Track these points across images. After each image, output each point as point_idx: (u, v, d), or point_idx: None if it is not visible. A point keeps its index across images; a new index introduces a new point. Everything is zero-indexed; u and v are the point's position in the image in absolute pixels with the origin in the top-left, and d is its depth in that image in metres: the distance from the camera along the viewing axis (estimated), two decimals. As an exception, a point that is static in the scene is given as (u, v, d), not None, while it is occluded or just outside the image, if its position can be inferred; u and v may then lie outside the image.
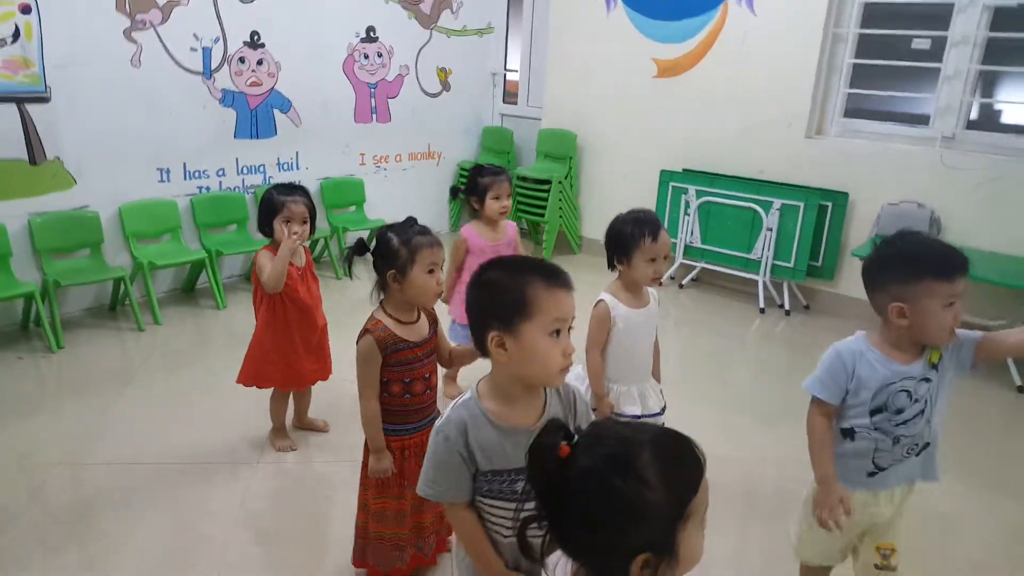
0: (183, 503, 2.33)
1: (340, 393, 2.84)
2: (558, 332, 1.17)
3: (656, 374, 2.23)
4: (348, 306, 4.38)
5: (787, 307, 4.35)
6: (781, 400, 3.26)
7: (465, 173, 5.67)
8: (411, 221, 1.85)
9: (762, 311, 4.34)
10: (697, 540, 0.86)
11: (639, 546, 0.82)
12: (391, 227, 1.83)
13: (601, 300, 2.09)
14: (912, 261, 1.46)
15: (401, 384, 1.80)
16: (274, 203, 2.41)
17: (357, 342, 1.79)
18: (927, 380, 1.52)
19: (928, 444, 1.59)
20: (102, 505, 2.31)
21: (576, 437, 0.88)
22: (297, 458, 2.62)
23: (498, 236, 2.87)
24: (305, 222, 2.43)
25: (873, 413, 1.54)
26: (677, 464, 0.86)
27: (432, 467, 1.24)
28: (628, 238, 2.02)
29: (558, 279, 1.19)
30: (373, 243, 1.86)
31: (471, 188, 2.82)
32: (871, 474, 1.58)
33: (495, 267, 1.25)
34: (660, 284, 2.11)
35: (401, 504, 1.86)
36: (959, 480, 2.63)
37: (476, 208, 2.84)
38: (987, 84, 4.10)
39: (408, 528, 1.88)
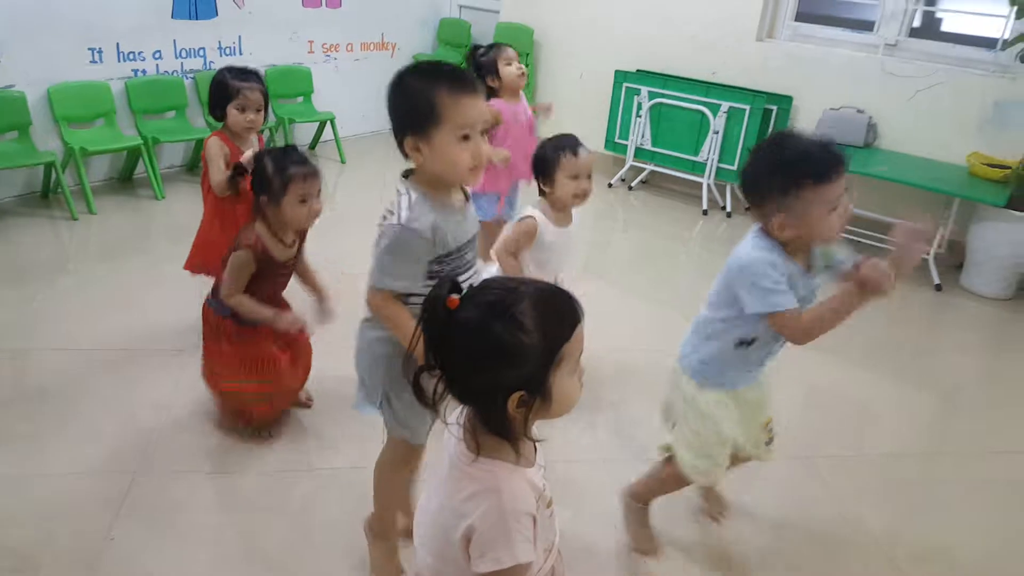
0: (119, 389, 2.33)
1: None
2: (467, 137, 1.27)
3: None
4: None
5: (729, 209, 4.50)
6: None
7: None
8: (291, 148, 1.94)
9: (705, 213, 4.47)
10: (570, 384, 0.93)
11: (515, 385, 0.89)
12: (270, 151, 1.93)
13: (530, 216, 2.14)
14: (786, 169, 1.38)
15: (254, 294, 1.95)
16: (228, 87, 2.31)
17: (232, 251, 1.91)
18: (811, 279, 1.51)
19: None
20: (35, 392, 2.31)
21: (464, 291, 0.94)
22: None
23: (516, 101, 2.87)
24: (259, 110, 2.35)
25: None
26: (553, 313, 0.91)
27: (394, 261, 1.32)
28: (551, 158, 2.09)
29: (463, 85, 1.27)
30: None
31: (479, 66, 2.78)
32: (752, 369, 1.60)
33: (411, 73, 1.32)
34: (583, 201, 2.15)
35: (260, 389, 2.05)
36: (875, 372, 2.86)
37: (494, 85, 2.79)
38: (933, -9, 4.14)
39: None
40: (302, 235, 2.05)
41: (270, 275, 1.97)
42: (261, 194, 1.89)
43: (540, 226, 2.14)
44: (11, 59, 3.54)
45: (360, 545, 1.71)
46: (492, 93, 2.81)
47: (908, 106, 3.97)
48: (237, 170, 2.00)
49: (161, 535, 1.78)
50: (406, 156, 1.32)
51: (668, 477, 1.75)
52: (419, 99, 1.26)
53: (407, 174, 1.37)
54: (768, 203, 1.41)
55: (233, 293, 1.92)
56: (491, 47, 2.77)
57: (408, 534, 1.58)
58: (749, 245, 1.48)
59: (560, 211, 2.17)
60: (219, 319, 2.01)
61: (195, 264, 2.53)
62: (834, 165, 1.36)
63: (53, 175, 3.69)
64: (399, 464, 1.60)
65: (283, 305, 2.09)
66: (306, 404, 2.32)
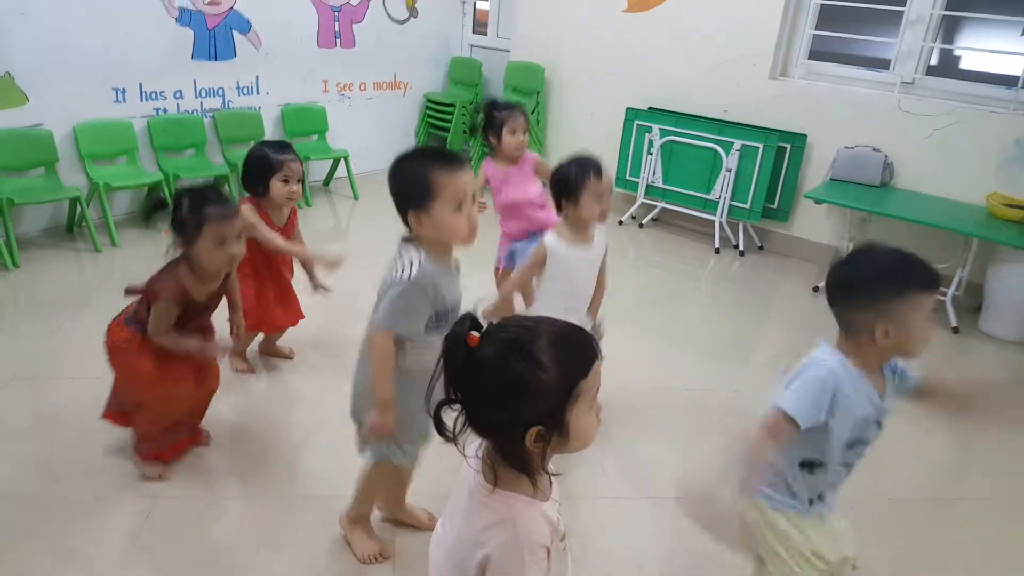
0: None
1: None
2: (461, 206, 1.46)
3: (593, 311, 2.32)
4: (307, 236, 4.37)
5: (742, 247, 4.47)
6: (729, 336, 3.40)
7: (433, 107, 5.61)
8: (210, 187, 1.88)
9: (717, 251, 4.44)
10: (587, 419, 0.96)
11: (533, 420, 0.92)
12: (189, 189, 1.86)
13: (541, 242, 2.18)
14: (898, 275, 1.33)
15: (185, 329, 1.93)
16: (271, 161, 2.34)
17: (153, 287, 1.87)
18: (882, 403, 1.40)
19: None
20: (54, 419, 2.36)
21: (484, 328, 0.97)
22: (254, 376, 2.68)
23: (508, 165, 2.84)
24: (300, 181, 2.41)
25: (850, 446, 1.39)
26: (570, 350, 0.95)
27: (401, 310, 1.49)
28: (574, 178, 2.11)
29: (453, 163, 1.47)
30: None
31: (488, 123, 2.81)
32: (811, 501, 1.44)
33: (407, 157, 1.52)
34: (603, 221, 2.19)
35: (176, 396, 2.02)
36: (892, 416, 2.78)
37: (494, 144, 2.80)
38: (949, 30, 4.13)
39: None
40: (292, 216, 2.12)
41: (194, 314, 1.94)
42: (178, 235, 1.82)
43: (551, 247, 2.15)
44: (39, 99, 3.67)
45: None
46: (490, 148, 2.84)
47: (925, 145, 3.93)
48: (156, 203, 1.99)
49: (181, 557, 1.81)
50: (410, 229, 1.51)
51: None
52: (417, 179, 1.45)
53: (408, 239, 1.53)
54: (873, 309, 1.32)
55: (161, 334, 1.87)
56: (509, 108, 2.77)
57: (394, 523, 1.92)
58: (821, 357, 1.36)
59: (580, 231, 2.18)
60: (140, 337, 1.92)
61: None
62: (936, 275, 1.36)
63: (78, 209, 3.80)
64: (390, 478, 1.80)
65: (208, 329, 2.07)
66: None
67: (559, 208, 2.18)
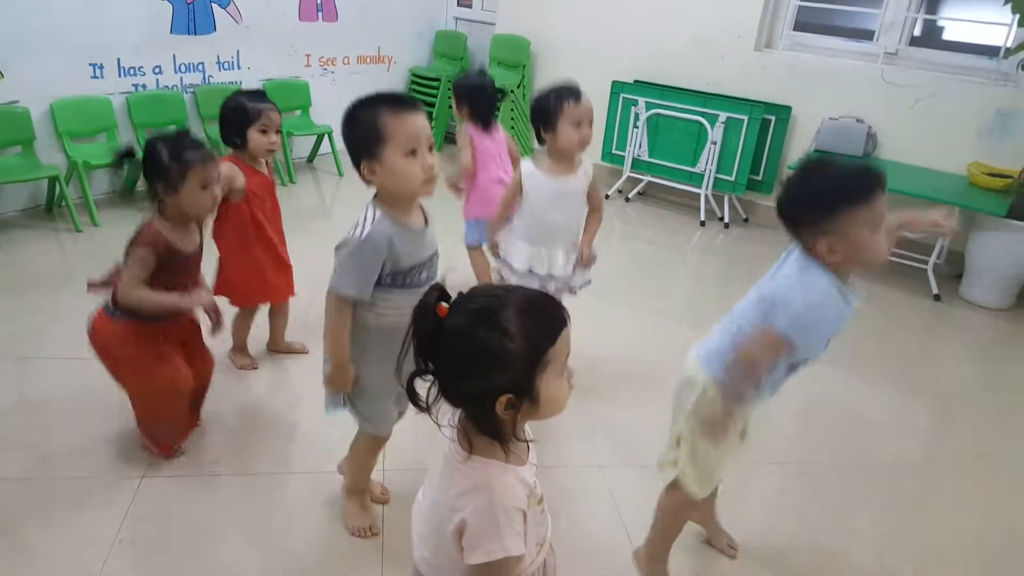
0: (123, 397, 2.35)
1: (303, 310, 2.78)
2: (415, 152, 1.38)
3: (587, 240, 2.32)
4: (291, 213, 4.34)
5: (727, 220, 4.49)
6: (715, 307, 3.39)
7: (418, 81, 5.55)
8: (182, 133, 1.85)
9: (702, 224, 4.46)
10: (558, 386, 0.97)
11: (503, 389, 0.93)
12: (162, 137, 1.81)
13: (518, 169, 2.22)
14: (824, 194, 1.35)
15: (164, 289, 1.84)
16: (248, 110, 2.24)
17: (130, 248, 1.81)
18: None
19: None
20: (39, 399, 2.35)
21: (453, 298, 0.97)
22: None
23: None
24: (279, 131, 2.32)
25: (826, 345, 1.45)
26: (537, 319, 0.95)
27: (352, 269, 1.45)
28: (552, 106, 2.11)
29: (403, 104, 1.39)
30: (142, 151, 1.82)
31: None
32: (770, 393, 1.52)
33: (356, 105, 1.43)
34: (584, 148, 2.20)
35: (175, 382, 1.96)
36: (872, 381, 2.85)
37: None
38: (932, 0, 4.12)
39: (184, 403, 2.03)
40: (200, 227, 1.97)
41: (176, 269, 1.86)
42: (157, 183, 1.78)
43: (528, 176, 2.15)
44: (15, 75, 3.59)
45: (362, 545, 1.79)
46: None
47: (908, 115, 3.95)
48: (124, 153, 1.89)
49: (169, 537, 1.81)
50: (367, 181, 1.43)
51: (676, 507, 1.62)
52: (365, 125, 1.38)
53: (375, 197, 1.47)
54: (809, 228, 1.36)
55: (134, 287, 1.80)
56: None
57: (381, 500, 1.91)
58: (808, 277, 1.39)
59: (560, 160, 2.16)
60: (121, 324, 1.88)
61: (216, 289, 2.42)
62: (871, 184, 1.33)
63: (57, 189, 3.74)
64: (371, 449, 1.77)
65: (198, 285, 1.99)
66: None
67: (539, 140, 2.17)
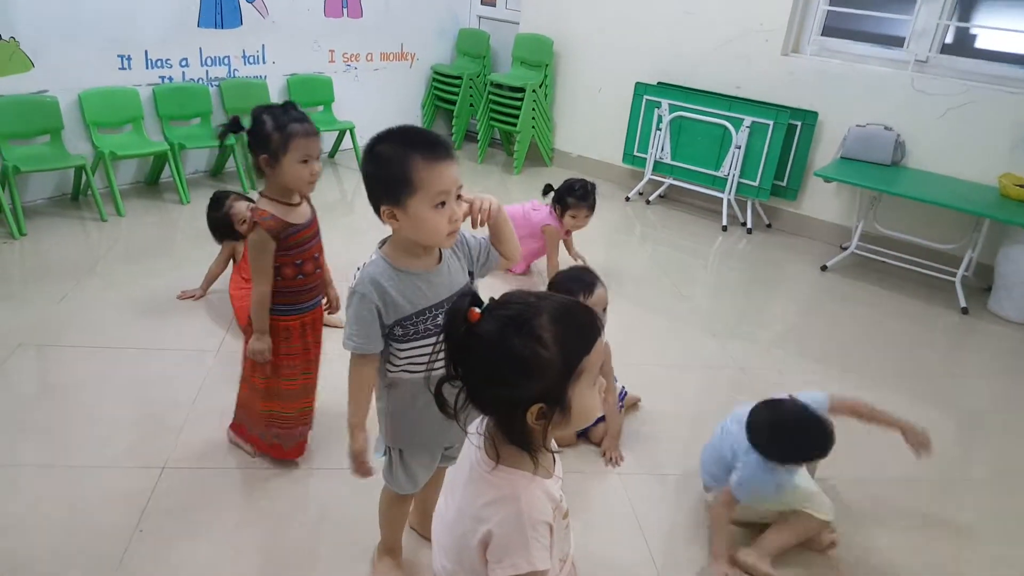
0: (145, 387, 2.39)
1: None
2: (443, 203, 1.24)
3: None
4: (318, 209, 4.36)
5: (750, 225, 4.44)
6: (736, 315, 3.39)
7: (440, 79, 5.55)
8: (289, 105, 1.76)
9: (724, 229, 4.42)
10: (590, 397, 0.94)
11: (533, 398, 0.91)
12: (268, 108, 1.75)
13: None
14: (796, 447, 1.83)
15: (293, 267, 1.81)
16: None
17: (246, 233, 1.79)
18: None
19: None
20: (61, 388, 2.37)
21: (485, 304, 0.95)
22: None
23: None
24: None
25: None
26: (572, 326, 0.92)
27: (352, 322, 1.34)
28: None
29: (437, 152, 1.23)
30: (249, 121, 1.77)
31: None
32: None
33: (384, 139, 1.27)
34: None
35: (307, 379, 1.97)
36: (895, 394, 2.78)
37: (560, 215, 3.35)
38: (965, 7, 4.05)
39: (297, 408, 1.98)
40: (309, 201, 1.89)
41: (295, 244, 1.80)
42: (260, 153, 1.73)
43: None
44: (44, 65, 3.63)
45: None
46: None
47: (938, 124, 3.88)
48: (232, 125, 1.77)
49: (189, 529, 1.81)
50: (383, 221, 1.29)
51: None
52: (394, 168, 1.23)
53: (383, 243, 1.36)
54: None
55: (263, 280, 1.77)
56: (586, 192, 3.33)
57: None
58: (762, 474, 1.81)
59: None
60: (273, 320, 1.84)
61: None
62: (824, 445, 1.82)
63: (83, 178, 3.78)
64: (393, 502, 1.64)
65: (322, 273, 1.95)
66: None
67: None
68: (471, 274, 1.42)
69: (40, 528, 1.78)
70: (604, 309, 2.13)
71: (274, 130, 1.71)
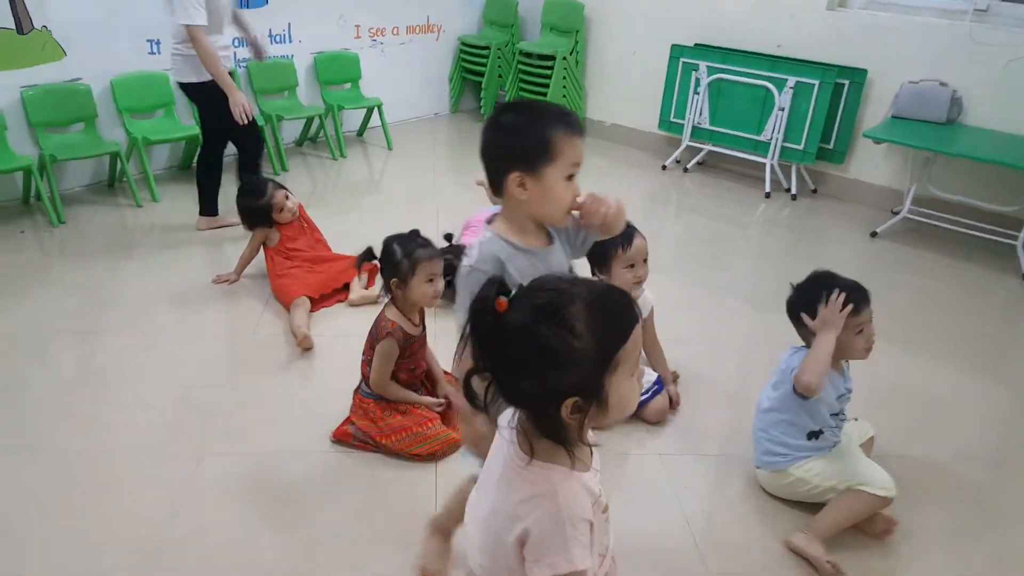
0: (180, 371, 2.41)
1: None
2: (571, 178, 1.26)
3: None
4: (342, 187, 4.37)
5: (794, 191, 4.26)
6: (779, 287, 3.23)
7: (467, 50, 5.43)
8: (414, 234, 2.05)
9: (767, 195, 4.25)
10: (628, 388, 0.89)
11: (567, 391, 0.85)
12: (397, 238, 2.05)
13: None
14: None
15: (408, 372, 2.10)
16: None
17: (376, 342, 2.02)
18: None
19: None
20: (99, 372, 2.41)
21: (513, 292, 0.90)
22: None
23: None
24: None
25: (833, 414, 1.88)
26: (607, 315, 0.87)
27: (466, 301, 1.26)
28: (605, 250, 2.08)
29: (577, 126, 1.26)
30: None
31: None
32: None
33: (513, 111, 1.30)
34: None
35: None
36: (950, 364, 2.67)
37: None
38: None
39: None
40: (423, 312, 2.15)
41: (409, 352, 2.08)
42: (391, 277, 2.01)
43: None
44: (76, 53, 3.66)
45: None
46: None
47: (998, 78, 3.63)
48: (365, 255, 2.09)
49: (224, 516, 1.82)
50: (498, 194, 1.29)
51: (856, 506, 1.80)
52: (531, 136, 1.24)
53: (491, 220, 1.35)
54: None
55: (384, 383, 2.05)
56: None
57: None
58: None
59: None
60: (371, 403, 2.07)
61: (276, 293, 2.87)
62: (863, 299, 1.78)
63: (118, 164, 3.82)
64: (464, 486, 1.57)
65: (425, 372, 2.20)
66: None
67: (593, 274, 2.18)
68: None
69: (75, 513, 1.80)
70: (644, 260, 2.12)
71: (403, 257, 1.99)
